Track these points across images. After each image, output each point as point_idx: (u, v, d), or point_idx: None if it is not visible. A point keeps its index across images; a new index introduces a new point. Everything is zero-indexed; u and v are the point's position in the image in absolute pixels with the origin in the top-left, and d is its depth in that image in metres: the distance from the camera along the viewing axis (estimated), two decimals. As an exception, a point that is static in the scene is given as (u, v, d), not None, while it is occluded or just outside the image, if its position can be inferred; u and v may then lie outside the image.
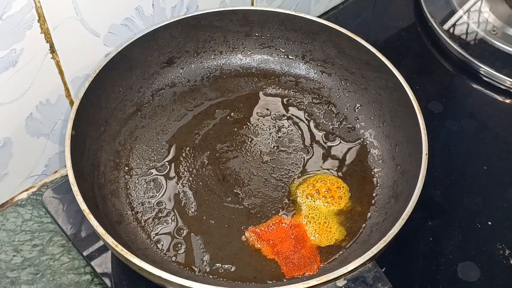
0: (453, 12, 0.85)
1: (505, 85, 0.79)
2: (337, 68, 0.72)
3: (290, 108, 0.71)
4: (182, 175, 0.65)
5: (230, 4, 0.73)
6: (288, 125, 0.69)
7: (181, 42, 0.70)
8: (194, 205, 0.63)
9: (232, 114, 0.70)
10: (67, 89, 0.65)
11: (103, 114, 0.65)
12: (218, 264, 0.59)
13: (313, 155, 0.67)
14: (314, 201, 0.63)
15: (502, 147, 0.74)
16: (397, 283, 0.55)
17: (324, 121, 0.70)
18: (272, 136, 0.69)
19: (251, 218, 0.62)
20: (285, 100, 0.71)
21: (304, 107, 0.71)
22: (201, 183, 0.64)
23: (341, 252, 0.59)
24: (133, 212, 0.62)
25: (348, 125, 0.70)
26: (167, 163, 0.65)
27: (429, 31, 0.85)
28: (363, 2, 0.90)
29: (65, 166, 0.58)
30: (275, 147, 0.68)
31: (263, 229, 0.61)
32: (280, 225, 0.61)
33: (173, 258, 0.59)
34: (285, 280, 0.57)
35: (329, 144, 0.68)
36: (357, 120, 0.70)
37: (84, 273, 0.63)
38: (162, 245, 0.60)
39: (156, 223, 0.61)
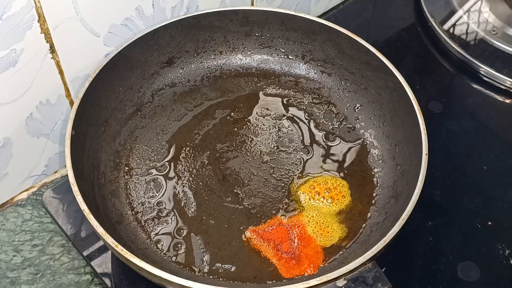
0: (453, 12, 0.85)
1: (505, 85, 0.79)
2: (337, 68, 0.72)
3: (290, 108, 0.71)
4: (182, 175, 0.65)
5: (230, 4, 0.73)
6: (288, 125, 0.69)
7: (181, 42, 0.70)
8: (194, 205, 0.63)
9: (232, 114, 0.70)
10: (67, 89, 0.65)
11: (103, 114, 0.65)
12: (218, 264, 0.59)
13: (313, 155, 0.67)
14: (314, 201, 0.63)
15: (502, 147, 0.74)
16: (397, 283, 0.55)
17: (324, 121, 0.70)
18: (272, 136, 0.69)
19: (251, 218, 0.62)
20: (285, 100, 0.71)
21: (304, 107, 0.71)
22: (201, 183, 0.64)
23: (341, 252, 0.59)
24: (133, 212, 0.62)
25: (348, 125, 0.69)
26: (167, 163, 0.65)
27: (429, 31, 0.85)
28: (363, 2, 0.90)
29: (65, 166, 0.58)
30: (275, 147, 0.68)
31: (263, 229, 0.61)
32: (280, 225, 0.61)
33: (173, 258, 0.59)
34: (284, 281, 0.57)
35: (329, 144, 0.68)
36: (357, 120, 0.70)
37: (84, 273, 0.63)
38: (162, 245, 0.60)
39: (156, 223, 0.61)
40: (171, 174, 0.65)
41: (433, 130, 0.68)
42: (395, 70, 0.65)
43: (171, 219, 0.61)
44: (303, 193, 0.63)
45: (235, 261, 0.59)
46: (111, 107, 0.66)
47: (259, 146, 0.68)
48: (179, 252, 0.59)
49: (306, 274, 0.58)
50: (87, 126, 0.62)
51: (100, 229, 0.53)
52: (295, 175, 0.65)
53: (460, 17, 0.84)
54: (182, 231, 0.61)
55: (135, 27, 0.66)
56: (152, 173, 0.64)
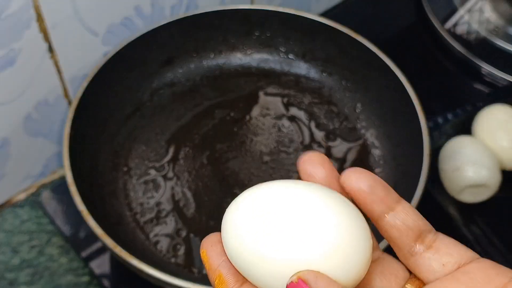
0: (454, 11, 0.85)
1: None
2: (338, 68, 0.71)
3: (290, 108, 0.70)
4: (181, 176, 0.64)
5: (230, 3, 0.73)
6: (288, 125, 0.69)
7: (181, 41, 0.70)
8: (194, 206, 0.62)
9: (231, 114, 0.69)
10: (65, 89, 0.64)
11: (102, 114, 0.65)
12: (217, 266, 0.58)
13: (313, 155, 0.67)
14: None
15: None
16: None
17: (325, 121, 0.69)
18: (272, 136, 0.68)
19: (251, 219, 0.61)
20: (285, 100, 0.71)
21: (305, 107, 0.70)
22: (200, 184, 0.64)
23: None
24: (132, 213, 0.61)
25: (349, 125, 0.69)
26: (166, 164, 0.65)
27: (431, 30, 0.84)
28: (364, 0, 0.89)
29: (64, 166, 0.58)
30: (275, 147, 0.67)
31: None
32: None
33: (172, 259, 0.59)
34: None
35: (329, 144, 0.68)
36: (358, 120, 0.69)
37: (83, 274, 0.63)
38: (161, 246, 0.59)
39: (155, 224, 0.61)
40: (170, 174, 0.64)
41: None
42: (397, 69, 0.64)
43: (170, 220, 0.61)
44: (303, 194, 0.63)
45: (235, 263, 0.58)
46: (110, 107, 0.66)
47: (259, 146, 0.67)
48: (178, 253, 0.59)
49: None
50: (86, 126, 0.62)
51: (98, 230, 0.53)
52: (295, 175, 0.65)
53: (462, 16, 0.84)
54: (181, 232, 0.60)
55: (134, 26, 0.66)
56: (151, 173, 0.64)
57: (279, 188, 0.30)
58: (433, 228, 0.30)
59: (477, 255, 0.30)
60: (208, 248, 0.30)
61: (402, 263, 0.31)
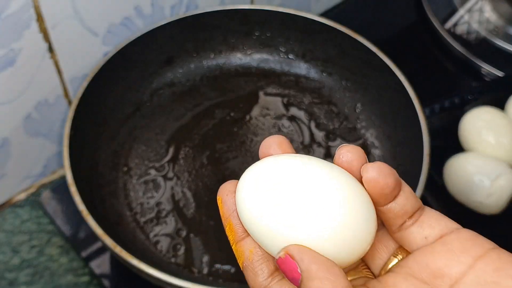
0: (454, 11, 0.85)
1: (506, 84, 0.78)
2: (338, 68, 0.71)
3: (290, 108, 0.70)
4: (181, 176, 0.64)
5: (230, 3, 0.73)
6: (288, 125, 0.69)
7: (180, 41, 0.70)
8: (194, 206, 0.62)
9: (231, 114, 0.69)
10: (65, 89, 0.64)
11: (102, 114, 0.65)
12: (217, 265, 0.58)
13: (313, 155, 0.67)
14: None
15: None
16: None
17: (325, 121, 0.69)
18: (272, 136, 0.68)
19: (251, 219, 0.61)
20: (285, 100, 0.71)
21: (305, 107, 0.70)
22: (200, 184, 0.64)
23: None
24: (132, 213, 0.61)
25: (349, 125, 0.69)
26: (166, 164, 0.65)
27: (431, 30, 0.84)
28: (364, 0, 0.89)
29: (64, 166, 0.58)
30: (275, 147, 0.67)
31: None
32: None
33: (172, 259, 0.58)
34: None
35: (329, 144, 0.68)
36: (358, 120, 0.69)
37: (83, 274, 0.63)
38: (161, 246, 0.59)
39: (155, 224, 0.61)
40: (170, 174, 0.64)
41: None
42: (397, 69, 0.64)
43: (170, 220, 0.61)
44: (303, 194, 0.63)
45: (235, 262, 0.58)
46: (110, 107, 0.66)
47: (259, 146, 0.67)
48: (178, 253, 0.59)
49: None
50: (86, 126, 0.62)
51: (98, 230, 0.53)
52: (295, 175, 0.65)
53: (462, 16, 0.84)
54: (181, 232, 0.60)
55: (134, 26, 0.66)
56: (151, 173, 0.64)
57: (296, 161, 0.31)
58: (422, 204, 0.31)
59: (458, 226, 0.30)
60: (223, 196, 0.33)
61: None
